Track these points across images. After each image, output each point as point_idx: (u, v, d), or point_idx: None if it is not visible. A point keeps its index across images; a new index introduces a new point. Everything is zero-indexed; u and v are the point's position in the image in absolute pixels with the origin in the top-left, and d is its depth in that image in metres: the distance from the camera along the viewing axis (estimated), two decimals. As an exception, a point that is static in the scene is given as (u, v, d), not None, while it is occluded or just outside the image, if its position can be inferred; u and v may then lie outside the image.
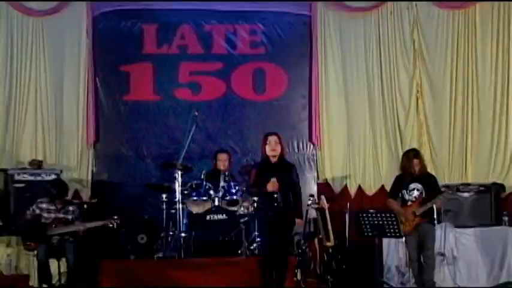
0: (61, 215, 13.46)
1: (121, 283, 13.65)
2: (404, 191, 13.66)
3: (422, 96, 16.06)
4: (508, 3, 15.46)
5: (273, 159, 12.98)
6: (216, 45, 16.65)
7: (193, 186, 15.16)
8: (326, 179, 16.21)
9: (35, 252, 13.34)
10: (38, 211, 13.50)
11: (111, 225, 13.48)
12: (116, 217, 13.53)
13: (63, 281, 13.34)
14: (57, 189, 13.65)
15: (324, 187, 15.95)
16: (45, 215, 13.44)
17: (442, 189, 14.00)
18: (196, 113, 15.40)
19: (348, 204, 14.80)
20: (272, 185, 12.71)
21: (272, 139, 13.09)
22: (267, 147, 13.06)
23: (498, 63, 15.62)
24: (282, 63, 16.69)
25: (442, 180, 14.92)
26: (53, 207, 13.51)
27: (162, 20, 16.51)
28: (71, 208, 13.65)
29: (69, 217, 13.50)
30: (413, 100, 16.14)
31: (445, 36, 15.92)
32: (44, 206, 13.54)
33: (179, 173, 14.89)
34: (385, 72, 16.18)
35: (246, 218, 14.77)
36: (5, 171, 14.93)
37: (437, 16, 15.95)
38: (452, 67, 15.87)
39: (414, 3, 16.03)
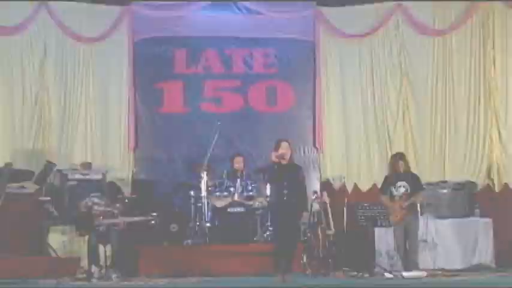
0: (108, 209, 13.57)
1: (156, 265, 13.81)
2: (393, 188, 13.78)
3: (408, 109, 16.09)
4: (479, 34, 15.59)
5: (283, 161, 13.13)
6: (235, 66, 16.67)
7: (216, 184, 15.31)
8: (327, 178, 16.22)
9: (86, 238, 13.43)
10: (90, 203, 13.65)
11: (153, 221, 13.68)
12: (154, 214, 13.71)
13: (108, 263, 13.26)
14: (111, 191, 13.84)
15: (326, 185, 15.93)
16: (96, 207, 13.56)
17: (424, 186, 14.22)
18: (218, 123, 15.58)
19: (346, 199, 14.96)
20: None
21: (284, 144, 13.34)
22: (280, 151, 13.23)
23: (471, 81, 15.66)
24: (291, 81, 16.68)
25: (424, 178, 14.86)
26: (103, 203, 13.59)
27: (190, 46, 16.53)
28: (117, 205, 13.74)
29: (115, 211, 13.55)
30: (400, 112, 16.16)
31: (427, 59, 15.97)
32: (96, 200, 13.66)
33: (204, 173, 15.03)
34: (376, 89, 16.20)
35: (260, 211, 14.91)
36: (60, 171, 14.98)
37: (420, 42, 15.99)
38: (432, 85, 15.93)
39: (401, 31, 16.07)
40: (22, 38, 15.45)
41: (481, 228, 14.53)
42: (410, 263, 13.59)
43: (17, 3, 15.24)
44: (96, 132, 15.98)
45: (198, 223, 15.03)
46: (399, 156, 14.18)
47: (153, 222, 13.69)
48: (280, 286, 12.42)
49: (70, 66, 15.86)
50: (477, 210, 14.90)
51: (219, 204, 15.13)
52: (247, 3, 16.37)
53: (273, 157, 13.15)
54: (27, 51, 15.54)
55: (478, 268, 14.17)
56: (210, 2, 16.24)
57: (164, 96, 16.53)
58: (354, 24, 16.30)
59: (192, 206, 15.20)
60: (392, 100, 16.19)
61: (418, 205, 13.91)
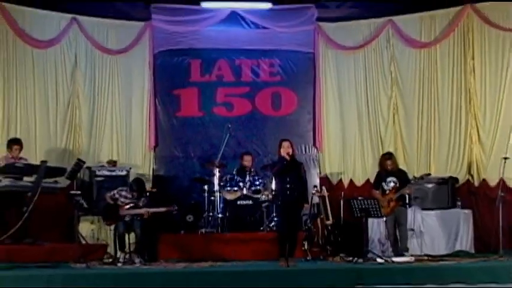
0: (134, 202, 13.71)
1: (174, 251, 13.98)
2: (384, 183, 13.95)
3: (397, 112, 16.11)
4: (460, 46, 15.63)
5: (287, 158, 13.20)
6: (244, 74, 16.75)
7: (227, 179, 15.40)
8: (326, 174, 16.27)
9: (112, 227, 13.58)
10: (117, 196, 13.76)
11: (175, 212, 13.76)
12: (175, 205, 13.79)
13: (132, 249, 13.43)
14: (138, 186, 13.92)
15: (324, 180, 15.97)
16: (122, 199, 13.64)
17: (412, 181, 14.27)
18: (229, 125, 15.72)
19: (342, 193, 15.06)
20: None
21: (285, 144, 13.45)
22: (282, 150, 13.38)
23: (453, 89, 15.66)
24: (293, 88, 16.78)
25: (412, 174, 14.89)
26: (129, 196, 13.70)
27: (204, 57, 16.63)
28: (142, 198, 13.87)
29: (140, 204, 13.67)
30: (391, 115, 16.17)
31: (414, 68, 15.97)
32: (123, 193, 13.75)
33: (217, 169, 15.24)
34: (370, 95, 16.22)
35: (267, 203, 14.99)
36: (89, 168, 15.11)
37: (409, 53, 16.00)
38: (419, 91, 15.93)
39: (392, 43, 16.07)
40: (56, 50, 15.46)
41: (462, 219, 14.59)
42: (399, 249, 13.74)
43: (51, 19, 15.34)
44: (121, 133, 16.02)
45: (211, 214, 15.15)
46: (387, 155, 14.37)
47: (174, 212, 13.78)
48: (284, 270, 12.47)
49: (98, 75, 15.90)
50: (458, 203, 14.95)
51: (230, 197, 15.26)
52: (254, 19, 16.41)
53: (283, 153, 13.28)
54: (60, 62, 15.55)
55: (459, 254, 14.16)
56: (222, 17, 16.23)
57: (181, 101, 16.63)
58: (349, 37, 16.33)
59: (206, 199, 15.27)
60: (384, 105, 16.19)
61: (407, 198, 14.06)
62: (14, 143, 14.37)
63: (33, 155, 14.75)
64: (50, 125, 15.36)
